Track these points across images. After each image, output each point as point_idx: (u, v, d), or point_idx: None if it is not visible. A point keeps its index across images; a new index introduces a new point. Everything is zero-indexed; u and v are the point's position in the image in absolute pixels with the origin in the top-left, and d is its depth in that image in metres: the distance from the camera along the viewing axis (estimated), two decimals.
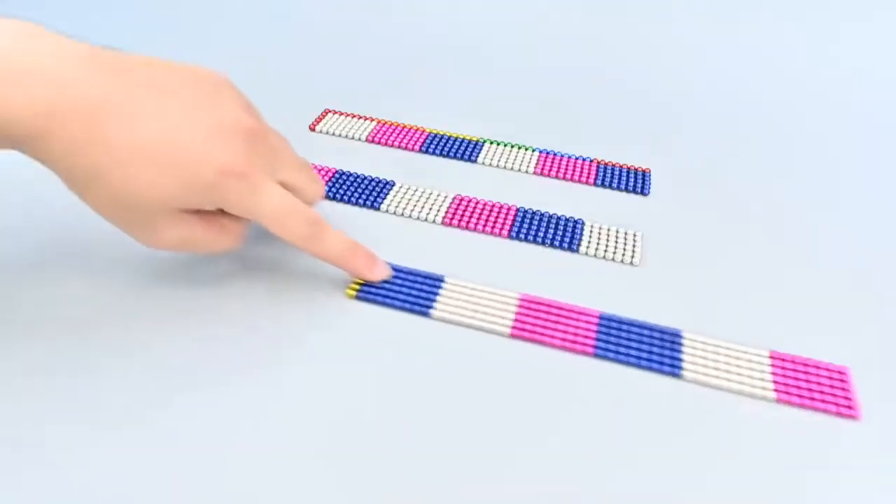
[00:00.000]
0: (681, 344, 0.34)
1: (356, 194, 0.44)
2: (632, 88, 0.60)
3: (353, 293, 0.37)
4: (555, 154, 0.50)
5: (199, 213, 0.32)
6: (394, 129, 0.52)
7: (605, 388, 0.33)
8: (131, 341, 0.34)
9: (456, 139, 0.51)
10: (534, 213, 0.43)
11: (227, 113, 0.31)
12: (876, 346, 0.36)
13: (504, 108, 0.56)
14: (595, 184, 0.47)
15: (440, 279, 0.38)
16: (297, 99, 0.56)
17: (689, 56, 0.63)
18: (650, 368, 0.33)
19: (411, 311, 0.36)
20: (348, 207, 0.44)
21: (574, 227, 0.43)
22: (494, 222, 0.43)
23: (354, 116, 0.53)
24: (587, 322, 0.35)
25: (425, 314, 0.36)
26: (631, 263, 0.40)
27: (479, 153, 0.50)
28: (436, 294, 0.37)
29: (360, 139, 0.51)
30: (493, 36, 0.65)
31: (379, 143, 0.51)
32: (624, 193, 0.47)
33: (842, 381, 0.33)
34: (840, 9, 0.62)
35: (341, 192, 0.45)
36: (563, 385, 0.33)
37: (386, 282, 0.37)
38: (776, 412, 0.32)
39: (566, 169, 0.48)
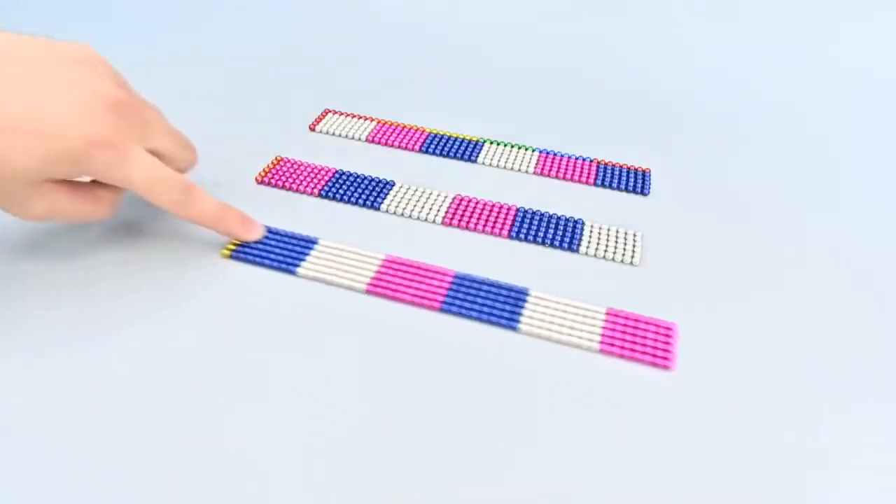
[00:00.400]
0: (525, 301, 0.37)
1: (356, 194, 0.45)
2: (632, 88, 0.60)
3: (228, 253, 0.39)
4: (555, 154, 0.50)
5: (70, 183, 0.33)
6: (394, 129, 0.52)
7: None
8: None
9: (456, 139, 0.51)
10: (534, 213, 0.43)
11: (95, 86, 0.32)
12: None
13: (504, 108, 0.56)
14: (595, 184, 0.47)
15: (314, 241, 0.40)
16: (296, 99, 0.56)
17: (688, 56, 0.63)
18: (490, 322, 0.36)
19: (279, 269, 0.38)
20: (348, 207, 0.44)
21: (574, 227, 0.43)
22: (494, 222, 0.43)
23: (354, 116, 0.53)
24: (441, 280, 0.38)
25: (292, 272, 0.38)
26: (631, 263, 0.40)
27: (479, 153, 0.50)
28: (306, 254, 0.39)
29: (360, 139, 0.51)
30: (493, 36, 0.66)
31: (379, 143, 0.51)
32: (624, 193, 0.47)
33: (666, 336, 0.35)
34: (840, 9, 0.62)
35: (341, 191, 0.45)
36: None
37: (260, 243, 0.39)
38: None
39: (566, 169, 0.48)
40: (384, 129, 0.52)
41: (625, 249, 0.41)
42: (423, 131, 0.52)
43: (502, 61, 0.63)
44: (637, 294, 0.38)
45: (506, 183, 0.47)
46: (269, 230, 0.40)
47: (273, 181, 0.45)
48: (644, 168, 0.48)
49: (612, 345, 0.35)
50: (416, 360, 0.34)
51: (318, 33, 0.66)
